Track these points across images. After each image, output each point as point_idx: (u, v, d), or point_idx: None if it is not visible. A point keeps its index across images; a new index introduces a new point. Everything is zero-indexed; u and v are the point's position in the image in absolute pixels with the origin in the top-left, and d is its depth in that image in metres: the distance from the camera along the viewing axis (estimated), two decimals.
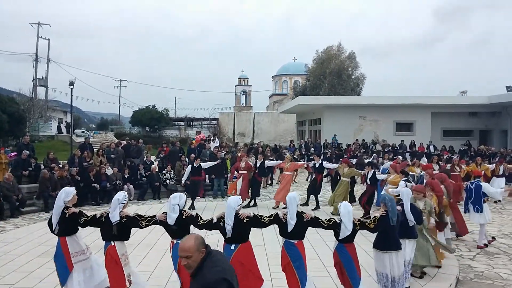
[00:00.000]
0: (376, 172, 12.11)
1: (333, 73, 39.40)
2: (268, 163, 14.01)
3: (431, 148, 24.29)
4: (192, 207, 12.47)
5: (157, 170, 16.22)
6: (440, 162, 15.97)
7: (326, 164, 13.62)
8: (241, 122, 48.59)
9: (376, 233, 5.62)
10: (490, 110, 28.03)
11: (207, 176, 15.58)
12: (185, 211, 5.42)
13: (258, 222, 5.36)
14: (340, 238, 5.29)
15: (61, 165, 14.47)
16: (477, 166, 15.16)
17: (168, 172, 16.06)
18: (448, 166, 15.17)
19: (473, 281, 7.00)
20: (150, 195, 15.38)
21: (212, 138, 21.66)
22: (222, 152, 17.38)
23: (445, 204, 8.03)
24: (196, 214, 5.57)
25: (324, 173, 15.13)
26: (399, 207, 5.86)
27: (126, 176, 15.21)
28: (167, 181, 15.91)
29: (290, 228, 5.23)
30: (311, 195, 13.25)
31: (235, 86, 62.38)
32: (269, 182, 18.64)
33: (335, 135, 26.67)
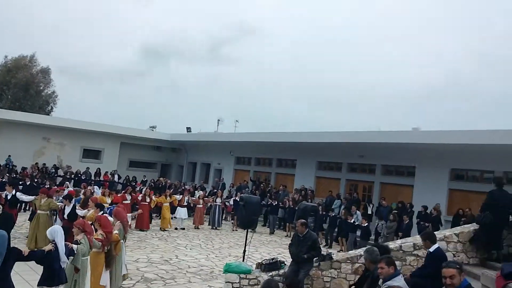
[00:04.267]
0: (77, 207, 10.63)
1: (19, 85, 34.72)
2: None
3: (116, 177, 24.47)
4: None
5: None
6: (132, 193, 16.10)
7: (20, 195, 11.04)
8: None
9: None
10: (172, 146, 31.14)
11: None
12: None
13: None
14: None
15: None
16: (166, 197, 16.33)
17: None
18: (140, 197, 15.71)
19: None
20: None
21: None
22: None
23: (116, 240, 7.62)
24: None
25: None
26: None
27: None
28: None
29: None
30: None
31: None
32: None
33: (9, 156, 23.08)
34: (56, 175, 22.74)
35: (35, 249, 6.43)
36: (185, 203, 16.88)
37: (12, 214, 10.80)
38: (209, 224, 17.39)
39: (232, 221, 18.20)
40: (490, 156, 14.44)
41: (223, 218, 18.43)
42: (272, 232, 17.16)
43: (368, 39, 57.88)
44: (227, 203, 18.86)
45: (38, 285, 5.51)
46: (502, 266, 5.29)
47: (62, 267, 5.39)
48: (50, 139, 25.50)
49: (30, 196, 11.42)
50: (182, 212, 16.48)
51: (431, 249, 6.20)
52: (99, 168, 25.02)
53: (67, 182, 18.66)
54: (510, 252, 7.37)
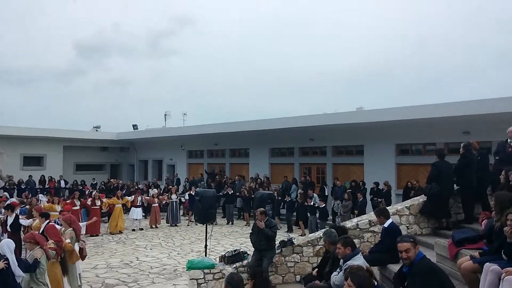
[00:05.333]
0: (20, 217, 10.06)
1: None
2: None
3: (62, 183, 23.38)
4: None
5: None
6: (81, 198, 15.44)
7: None
8: None
9: None
10: (119, 145, 30.13)
11: None
12: None
13: None
14: None
15: None
16: (118, 198, 15.85)
17: None
18: (89, 201, 15.23)
19: None
20: None
21: None
22: None
23: (69, 249, 7.29)
24: None
25: None
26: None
27: None
28: None
29: None
30: None
31: None
32: None
33: None
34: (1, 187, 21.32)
35: None
36: (139, 203, 16.42)
37: None
38: (167, 222, 17.09)
39: (187, 217, 18.03)
40: (431, 130, 15.26)
41: (181, 214, 18.17)
42: (230, 223, 17.16)
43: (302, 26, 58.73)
44: (182, 199, 18.59)
45: None
46: (453, 234, 5.62)
47: (17, 281, 5.09)
48: None
49: None
50: (136, 212, 16.00)
51: (386, 224, 6.45)
52: (43, 175, 23.74)
53: (6, 193, 17.54)
54: (458, 219, 7.85)
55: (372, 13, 53.08)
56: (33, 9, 58.96)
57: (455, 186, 7.95)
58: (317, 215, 14.17)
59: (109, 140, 28.84)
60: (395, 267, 5.56)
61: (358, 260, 4.94)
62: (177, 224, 16.82)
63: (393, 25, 53.60)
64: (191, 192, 17.85)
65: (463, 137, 13.15)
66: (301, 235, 13.64)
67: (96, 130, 31.47)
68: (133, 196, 16.70)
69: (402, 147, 17.04)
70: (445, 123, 14.53)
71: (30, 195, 17.09)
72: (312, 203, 14.38)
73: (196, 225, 16.17)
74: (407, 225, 7.90)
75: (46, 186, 22.41)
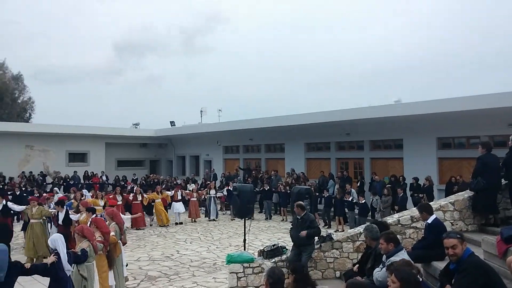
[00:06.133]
0: (70, 212, 10.58)
1: None
2: None
3: (104, 178, 24.24)
4: None
5: None
6: (123, 193, 15.95)
7: (11, 205, 10.95)
8: None
9: None
10: (158, 142, 30.86)
11: None
12: None
13: None
14: None
15: None
16: (158, 193, 16.17)
17: None
18: (131, 196, 15.65)
19: None
20: None
21: None
22: None
23: (113, 241, 7.60)
24: None
25: None
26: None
27: None
28: None
29: None
30: None
31: None
32: None
33: None
34: (44, 182, 22.39)
35: (35, 262, 6.37)
36: (179, 198, 16.80)
37: (6, 223, 10.73)
38: (205, 216, 17.39)
39: (224, 212, 18.20)
40: (474, 122, 14.66)
41: (219, 208, 18.40)
42: (268, 218, 17.21)
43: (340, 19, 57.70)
44: (220, 194, 18.79)
45: None
46: (501, 230, 5.38)
47: (68, 275, 5.32)
48: (33, 146, 24.97)
49: (21, 206, 11.32)
50: (178, 206, 16.40)
51: (429, 221, 6.28)
52: (87, 171, 24.72)
53: (56, 188, 18.39)
54: (507, 216, 7.52)
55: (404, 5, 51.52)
56: (73, 10, 61.21)
57: (503, 180, 7.60)
58: (356, 210, 13.98)
59: (148, 137, 29.62)
60: (439, 264, 5.41)
61: (402, 257, 4.85)
62: (215, 219, 17.06)
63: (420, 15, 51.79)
64: (229, 188, 18.08)
65: (509, 129, 12.57)
66: (336, 231, 13.54)
67: (136, 127, 32.39)
68: (173, 191, 17.09)
69: (444, 140, 16.48)
70: (489, 115, 13.91)
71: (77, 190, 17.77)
72: (350, 199, 14.20)
73: (233, 219, 16.36)
74: (452, 221, 7.65)
75: (90, 181, 23.31)
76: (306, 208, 8.32)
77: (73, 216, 10.29)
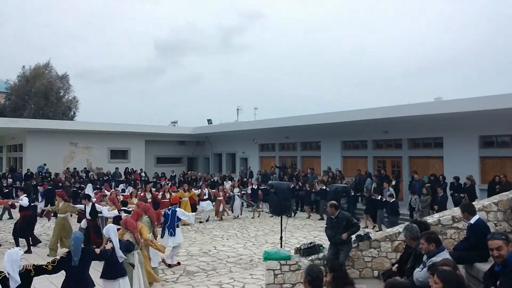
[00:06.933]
0: (97, 205, 11.05)
1: (39, 94, 35.46)
2: None
3: (143, 174, 24.99)
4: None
5: None
6: (152, 190, 16.28)
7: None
8: None
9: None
10: (195, 139, 31.45)
11: None
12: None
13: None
14: None
15: None
16: (184, 192, 16.18)
17: None
18: (160, 194, 15.78)
19: None
20: None
21: None
22: None
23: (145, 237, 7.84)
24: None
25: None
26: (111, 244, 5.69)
27: None
28: None
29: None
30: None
31: None
32: None
33: (44, 164, 23.80)
34: (87, 178, 23.35)
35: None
36: (205, 196, 16.52)
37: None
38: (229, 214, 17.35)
39: (251, 209, 18.08)
40: None
41: (245, 206, 18.21)
42: (307, 217, 17.08)
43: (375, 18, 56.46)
44: (245, 192, 18.37)
45: (100, 278, 5.88)
46: None
47: (120, 261, 5.78)
48: (77, 144, 26.10)
49: (111, 212, 10.29)
50: (205, 204, 15.60)
51: (472, 221, 6.13)
52: (127, 167, 25.59)
53: (106, 184, 19.01)
54: None
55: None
56: (114, 11, 63.21)
57: None
58: (385, 210, 13.72)
59: (186, 135, 30.24)
60: (483, 266, 5.30)
61: (443, 257, 4.79)
62: (239, 216, 17.08)
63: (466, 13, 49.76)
64: (254, 186, 18.18)
65: None
66: (365, 227, 13.40)
67: (174, 125, 33.15)
68: (199, 190, 16.98)
69: (486, 139, 15.92)
70: None
71: (110, 187, 18.17)
72: (379, 197, 14.00)
73: (271, 217, 16.41)
74: (495, 222, 7.42)
75: (131, 177, 24.10)
76: (343, 208, 8.29)
77: (110, 213, 10.24)
